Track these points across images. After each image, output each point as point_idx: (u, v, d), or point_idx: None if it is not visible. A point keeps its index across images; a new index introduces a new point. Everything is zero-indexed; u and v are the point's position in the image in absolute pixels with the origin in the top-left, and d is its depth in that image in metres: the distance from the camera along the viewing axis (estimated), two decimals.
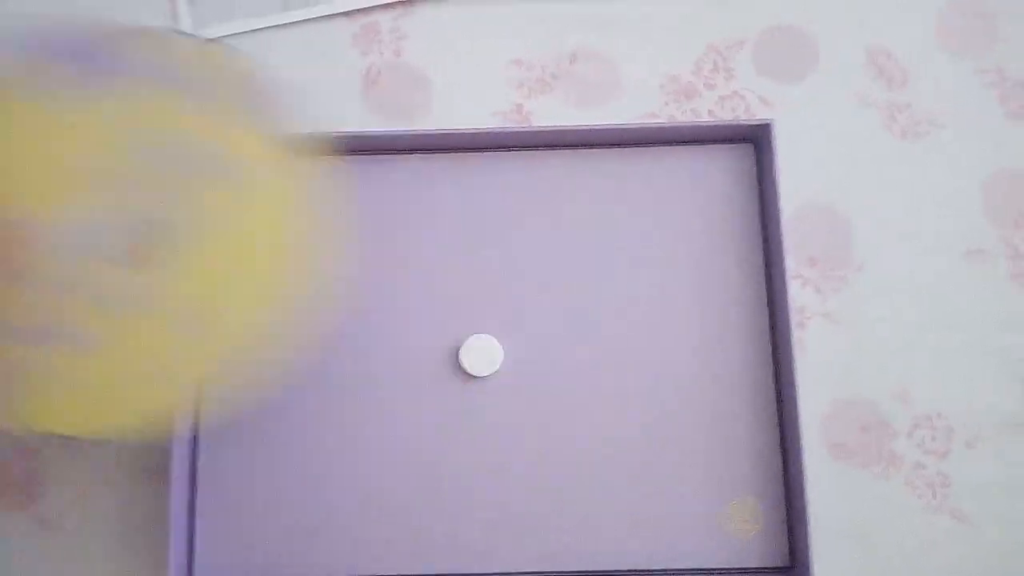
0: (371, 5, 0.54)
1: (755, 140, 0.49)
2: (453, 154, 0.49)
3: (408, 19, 0.54)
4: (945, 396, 0.50)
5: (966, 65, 0.54)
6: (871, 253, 0.51)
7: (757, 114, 0.53)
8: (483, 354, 0.46)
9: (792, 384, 0.45)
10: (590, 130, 0.47)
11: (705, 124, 0.47)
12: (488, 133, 0.47)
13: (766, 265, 0.48)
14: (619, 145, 0.50)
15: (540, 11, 0.54)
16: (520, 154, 0.50)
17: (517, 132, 0.47)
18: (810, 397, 0.49)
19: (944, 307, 0.51)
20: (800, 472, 0.44)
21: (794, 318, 0.50)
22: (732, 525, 0.46)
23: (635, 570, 0.45)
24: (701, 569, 0.45)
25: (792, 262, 0.51)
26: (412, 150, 0.49)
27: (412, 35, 0.54)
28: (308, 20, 0.54)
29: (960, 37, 0.55)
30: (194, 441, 0.46)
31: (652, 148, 0.50)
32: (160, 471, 0.48)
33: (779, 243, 0.46)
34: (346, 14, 0.54)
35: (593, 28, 0.54)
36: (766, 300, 0.48)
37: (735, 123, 0.47)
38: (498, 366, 0.46)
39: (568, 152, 0.50)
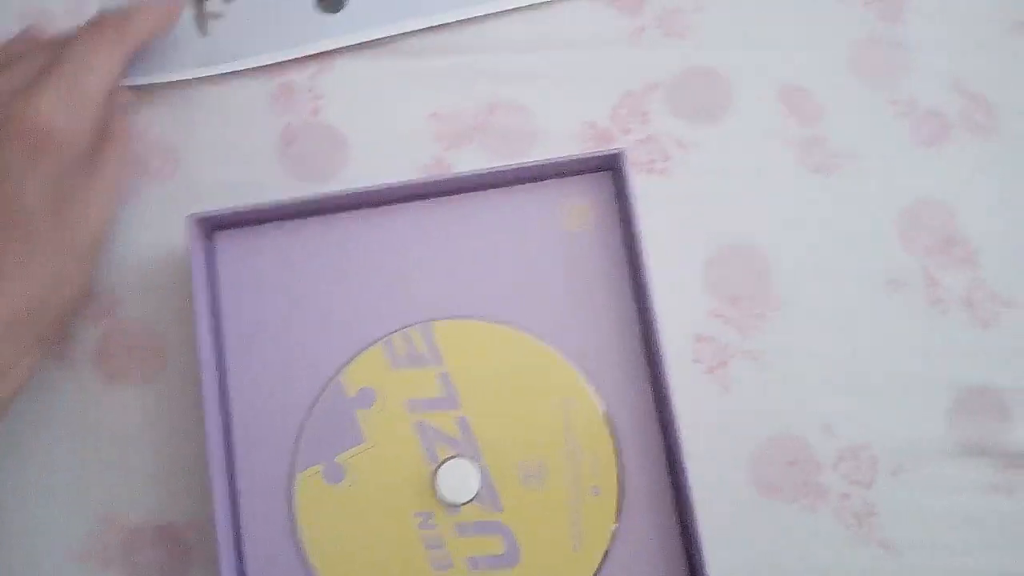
0: (284, 59, 0.55)
1: (612, 168, 0.52)
2: (355, 212, 0.52)
3: (325, 76, 0.56)
4: (869, 427, 0.52)
5: (878, 96, 0.57)
6: (791, 289, 0.54)
7: (673, 156, 0.55)
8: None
9: (673, 425, 0.47)
10: (451, 179, 0.50)
11: (562, 159, 0.50)
12: (355, 193, 0.49)
13: (636, 293, 0.51)
14: (476, 189, 0.52)
15: (457, 64, 0.56)
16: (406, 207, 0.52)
17: (379, 190, 0.50)
18: (737, 437, 0.52)
19: (865, 338, 0.53)
20: (692, 512, 0.46)
21: (716, 357, 0.52)
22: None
23: None
24: None
25: (714, 302, 0.53)
26: (303, 215, 0.51)
27: (328, 94, 0.56)
28: (227, 76, 0.55)
29: (871, 69, 0.57)
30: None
31: (515, 188, 0.52)
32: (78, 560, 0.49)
33: (643, 267, 0.49)
34: (265, 71, 0.55)
35: (511, 79, 0.56)
36: (639, 330, 0.51)
37: (591, 155, 0.50)
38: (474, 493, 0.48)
39: (439, 200, 0.52)
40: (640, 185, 0.51)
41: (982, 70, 0.57)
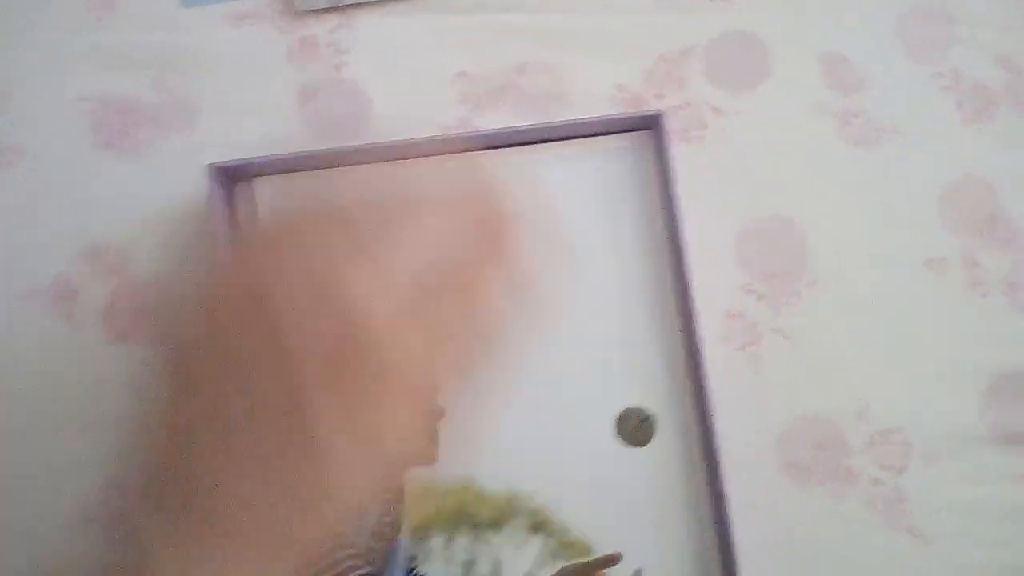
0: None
1: (653, 128, 0.51)
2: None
3: (346, 31, 0.54)
4: (902, 410, 0.51)
5: (922, 69, 0.55)
6: (827, 265, 0.52)
7: (709, 123, 0.53)
8: None
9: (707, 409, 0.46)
10: (495, 133, 0.49)
11: (602, 118, 0.49)
12: (386, 146, 0.48)
13: (674, 254, 0.50)
14: (518, 144, 0.51)
15: (486, 22, 0.54)
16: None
17: (417, 144, 0.49)
18: (765, 415, 0.50)
19: (901, 319, 0.52)
20: (722, 494, 0.45)
21: (748, 331, 0.51)
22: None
23: None
24: None
25: (746, 276, 0.52)
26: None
27: (352, 49, 0.54)
28: (244, 25, 0.53)
29: (917, 41, 0.55)
30: None
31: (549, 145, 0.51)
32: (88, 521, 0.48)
33: (679, 235, 0.48)
34: (280, 28, 0.54)
35: (540, 39, 0.54)
36: (674, 301, 0.50)
37: (628, 115, 0.49)
38: None
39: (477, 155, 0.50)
40: (674, 152, 0.49)
41: None
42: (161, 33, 0.53)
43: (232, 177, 0.49)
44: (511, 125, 0.50)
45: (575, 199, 0.50)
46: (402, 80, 0.54)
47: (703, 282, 0.50)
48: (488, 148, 0.50)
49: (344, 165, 0.49)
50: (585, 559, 0.46)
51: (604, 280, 0.49)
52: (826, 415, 0.50)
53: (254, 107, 0.53)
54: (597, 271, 0.49)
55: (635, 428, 0.47)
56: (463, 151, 0.49)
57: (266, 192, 0.49)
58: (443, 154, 0.49)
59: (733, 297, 0.51)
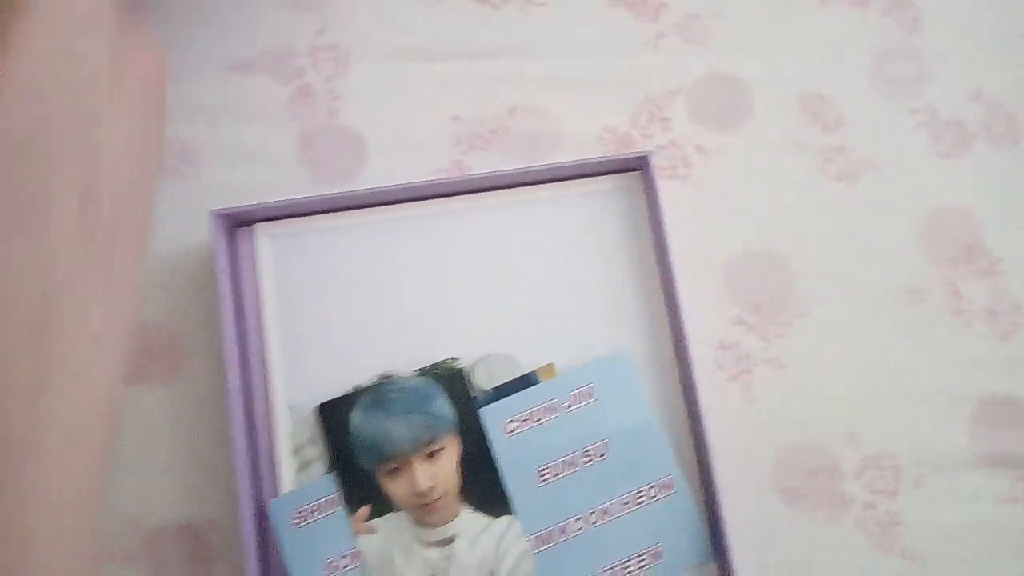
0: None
1: (642, 169, 0.54)
2: (374, 209, 0.53)
3: (342, 78, 0.57)
4: (892, 436, 0.53)
5: (899, 106, 0.58)
6: (814, 296, 0.55)
7: (694, 162, 0.56)
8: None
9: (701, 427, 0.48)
10: (488, 176, 0.51)
11: (592, 160, 0.52)
12: (383, 190, 0.51)
13: (665, 296, 0.52)
14: (496, 189, 0.53)
15: (476, 68, 0.57)
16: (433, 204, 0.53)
17: (414, 186, 0.51)
18: (759, 443, 0.52)
19: (887, 348, 0.54)
20: (720, 520, 0.47)
21: (740, 362, 0.53)
22: None
23: None
24: None
25: (737, 308, 0.54)
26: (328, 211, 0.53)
27: (347, 96, 0.56)
28: (244, 76, 0.56)
29: (892, 78, 0.58)
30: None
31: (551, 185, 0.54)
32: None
33: (670, 271, 0.50)
34: (276, 77, 0.56)
35: (530, 83, 0.57)
36: (669, 335, 0.52)
37: (617, 157, 0.52)
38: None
39: (471, 197, 0.53)
40: (662, 190, 0.52)
41: (1002, 79, 0.59)
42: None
43: (234, 223, 0.51)
44: (504, 167, 0.53)
45: (568, 238, 0.53)
46: (397, 125, 0.56)
47: (695, 315, 0.52)
48: (482, 190, 0.53)
49: (343, 210, 0.52)
50: None
51: (599, 316, 0.51)
52: (818, 442, 0.53)
53: (254, 154, 0.55)
54: (592, 308, 0.52)
55: None
56: (458, 193, 0.52)
57: (267, 237, 0.52)
58: (438, 197, 0.52)
59: (724, 329, 0.54)
